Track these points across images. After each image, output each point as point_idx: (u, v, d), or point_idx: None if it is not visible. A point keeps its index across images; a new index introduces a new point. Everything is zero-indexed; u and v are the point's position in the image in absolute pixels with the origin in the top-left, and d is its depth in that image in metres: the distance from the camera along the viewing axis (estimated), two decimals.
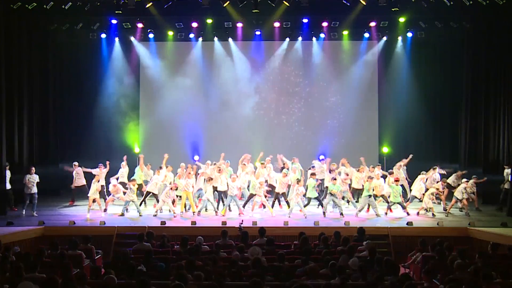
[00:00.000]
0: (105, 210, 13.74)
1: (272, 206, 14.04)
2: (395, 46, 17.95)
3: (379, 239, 11.52)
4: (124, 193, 13.61)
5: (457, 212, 13.97)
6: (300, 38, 17.97)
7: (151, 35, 17.59)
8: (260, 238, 10.29)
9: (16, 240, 11.11)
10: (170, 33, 17.40)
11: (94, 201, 13.58)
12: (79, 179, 15.04)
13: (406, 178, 15.32)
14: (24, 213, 13.46)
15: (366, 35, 17.56)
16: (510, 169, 14.07)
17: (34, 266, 7.41)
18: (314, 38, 17.91)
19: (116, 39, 17.82)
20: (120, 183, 15.10)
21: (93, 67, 17.92)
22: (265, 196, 13.86)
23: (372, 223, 12.63)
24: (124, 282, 6.96)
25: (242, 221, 12.06)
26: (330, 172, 14.51)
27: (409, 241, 11.54)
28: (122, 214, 13.43)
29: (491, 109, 15.52)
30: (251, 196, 14.11)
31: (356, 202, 14.41)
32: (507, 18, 14.49)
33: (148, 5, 14.75)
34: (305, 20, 16.75)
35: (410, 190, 14.41)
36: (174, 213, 13.39)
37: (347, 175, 14.55)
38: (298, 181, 13.57)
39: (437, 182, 14.18)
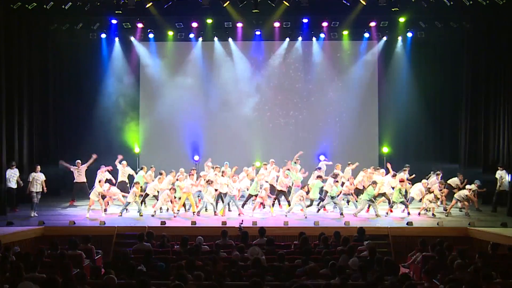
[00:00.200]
0: (105, 210, 13.75)
1: (272, 205, 14.05)
2: (395, 46, 17.96)
3: (379, 239, 11.53)
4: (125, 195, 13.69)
5: (457, 212, 13.97)
6: (300, 38, 17.97)
7: (151, 35, 17.59)
8: (260, 238, 10.29)
9: (16, 240, 11.11)
10: (170, 33, 17.40)
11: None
12: (79, 176, 15.06)
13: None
14: (32, 214, 13.39)
15: (366, 35, 17.56)
16: (504, 171, 14.04)
17: (34, 266, 7.41)
18: (314, 38, 17.91)
19: (116, 39, 17.82)
20: (121, 182, 15.16)
21: (93, 67, 17.93)
22: (269, 196, 13.87)
23: (372, 223, 12.64)
24: (124, 282, 6.95)
25: (242, 221, 12.05)
26: (335, 178, 14.32)
27: (409, 241, 11.55)
28: (121, 215, 13.47)
29: (491, 109, 15.51)
30: (250, 196, 14.15)
31: (356, 201, 14.41)
32: (507, 18, 14.48)
33: (148, 5, 14.74)
34: (305, 20, 16.75)
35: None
36: (174, 213, 13.42)
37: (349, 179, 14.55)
38: (303, 186, 13.57)
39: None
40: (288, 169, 14.47)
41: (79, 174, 15.03)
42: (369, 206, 13.77)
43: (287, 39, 18.02)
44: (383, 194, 14.01)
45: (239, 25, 16.92)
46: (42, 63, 16.63)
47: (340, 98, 18.25)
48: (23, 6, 14.28)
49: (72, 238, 9.56)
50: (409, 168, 14.78)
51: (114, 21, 16.47)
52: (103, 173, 14.52)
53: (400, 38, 17.77)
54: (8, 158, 14.24)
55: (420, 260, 9.46)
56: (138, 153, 17.93)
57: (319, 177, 14.13)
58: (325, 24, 16.89)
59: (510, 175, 14.01)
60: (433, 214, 13.42)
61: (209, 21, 16.72)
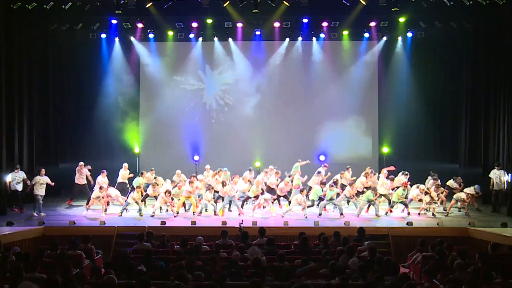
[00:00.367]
0: (105, 210, 13.75)
1: (272, 203, 14.04)
2: (395, 46, 17.95)
3: (379, 239, 11.54)
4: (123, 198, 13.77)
5: (457, 212, 13.97)
6: (300, 38, 17.96)
7: (151, 35, 17.58)
8: (260, 238, 10.28)
9: (16, 240, 11.10)
10: (170, 33, 17.39)
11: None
12: (81, 178, 15.05)
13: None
14: (35, 213, 13.46)
15: (366, 35, 17.55)
16: (502, 171, 14.01)
17: (34, 266, 7.41)
18: (314, 38, 17.91)
19: (116, 39, 17.81)
20: (120, 182, 15.19)
21: (93, 67, 17.91)
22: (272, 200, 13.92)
23: (372, 223, 12.64)
24: (124, 282, 6.95)
25: (242, 221, 12.04)
26: (334, 185, 14.25)
27: (409, 241, 11.54)
28: (121, 215, 13.48)
29: (491, 109, 15.50)
30: (248, 197, 14.18)
31: (355, 201, 14.40)
32: (507, 18, 14.48)
33: (148, 5, 14.74)
34: (305, 20, 16.75)
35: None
36: (174, 213, 13.43)
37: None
38: (302, 190, 13.58)
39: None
40: (290, 176, 14.48)
41: (81, 176, 15.02)
42: (369, 206, 13.77)
43: (287, 39, 18.02)
44: (384, 195, 14.01)
45: (239, 25, 16.92)
46: (42, 63, 16.63)
47: (340, 98, 18.24)
48: (23, 6, 14.28)
49: (72, 238, 9.56)
50: (409, 175, 14.65)
51: (114, 21, 16.48)
52: (103, 178, 14.47)
53: (400, 38, 17.76)
54: (8, 158, 14.25)
55: (420, 260, 9.45)
56: (138, 153, 17.92)
57: (322, 184, 14.08)
58: (325, 24, 16.88)
59: (510, 174, 14.00)
60: (433, 214, 13.43)
61: (209, 21, 16.71)
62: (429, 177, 14.71)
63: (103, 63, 17.95)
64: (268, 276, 7.50)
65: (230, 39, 17.94)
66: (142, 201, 14.16)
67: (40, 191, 13.67)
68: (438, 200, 13.87)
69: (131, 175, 15.36)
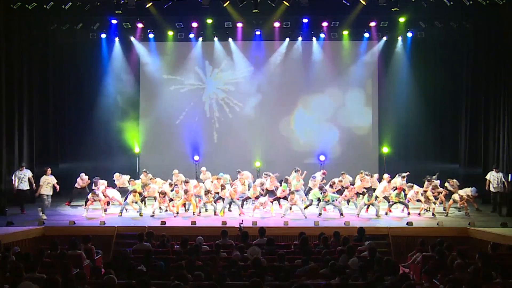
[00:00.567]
0: (105, 210, 13.75)
1: (272, 202, 14.03)
2: (395, 46, 17.94)
3: (379, 239, 11.53)
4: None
5: (457, 212, 13.97)
6: (300, 38, 17.94)
7: (151, 35, 17.56)
8: (260, 238, 10.28)
9: (16, 240, 11.10)
10: (170, 33, 17.37)
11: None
12: (82, 183, 15.03)
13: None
14: (44, 217, 13.30)
15: (366, 35, 17.54)
16: (501, 174, 13.97)
17: (34, 266, 7.40)
18: (314, 38, 17.89)
19: (116, 39, 17.80)
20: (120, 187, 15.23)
21: (93, 67, 17.91)
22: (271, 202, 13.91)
23: (372, 223, 12.64)
24: (124, 282, 6.95)
25: (242, 221, 12.04)
26: (331, 187, 14.24)
27: (409, 241, 11.53)
28: (121, 215, 13.49)
29: (491, 109, 15.48)
30: (248, 197, 14.16)
31: (355, 201, 14.40)
32: (507, 18, 14.47)
33: (148, 5, 14.73)
34: (305, 20, 16.73)
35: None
36: (174, 213, 13.43)
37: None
38: (292, 193, 13.46)
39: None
40: (287, 180, 14.39)
41: (82, 183, 15.00)
42: (368, 206, 13.76)
43: (287, 39, 18.00)
44: (384, 197, 14.00)
45: (239, 25, 16.91)
46: (42, 63, 16.62)
47: (340, 98, 18.24)
48: (23, 6, 14.27)
49: (72, 238, 9.56)
50: (406, 178, 14.62)
51: (114, 21, 16.46)
52: (101, 186, 14.42)
53: (400, 38, 17.75)
54: (8, 158, 14.25)
55: (420, 260, 9.45)
56: (138, 153, 17.93)
57: (321, 189, 14.06)
58: (325, 24, 16.87)
59: (510, 174, 13.98)
60: (433, 214, 13.42)
61: (209, 21, 16.70)
62: (426, 182, 14.52)
63: (103, 63, 17.95)
64: (268, 276, 7.50)
65: (230, 39, 17.93)
66: (141, 201, 14.16)
67: (46, 190, 13.67)
68: (437, 200, 13.86)
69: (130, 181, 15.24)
